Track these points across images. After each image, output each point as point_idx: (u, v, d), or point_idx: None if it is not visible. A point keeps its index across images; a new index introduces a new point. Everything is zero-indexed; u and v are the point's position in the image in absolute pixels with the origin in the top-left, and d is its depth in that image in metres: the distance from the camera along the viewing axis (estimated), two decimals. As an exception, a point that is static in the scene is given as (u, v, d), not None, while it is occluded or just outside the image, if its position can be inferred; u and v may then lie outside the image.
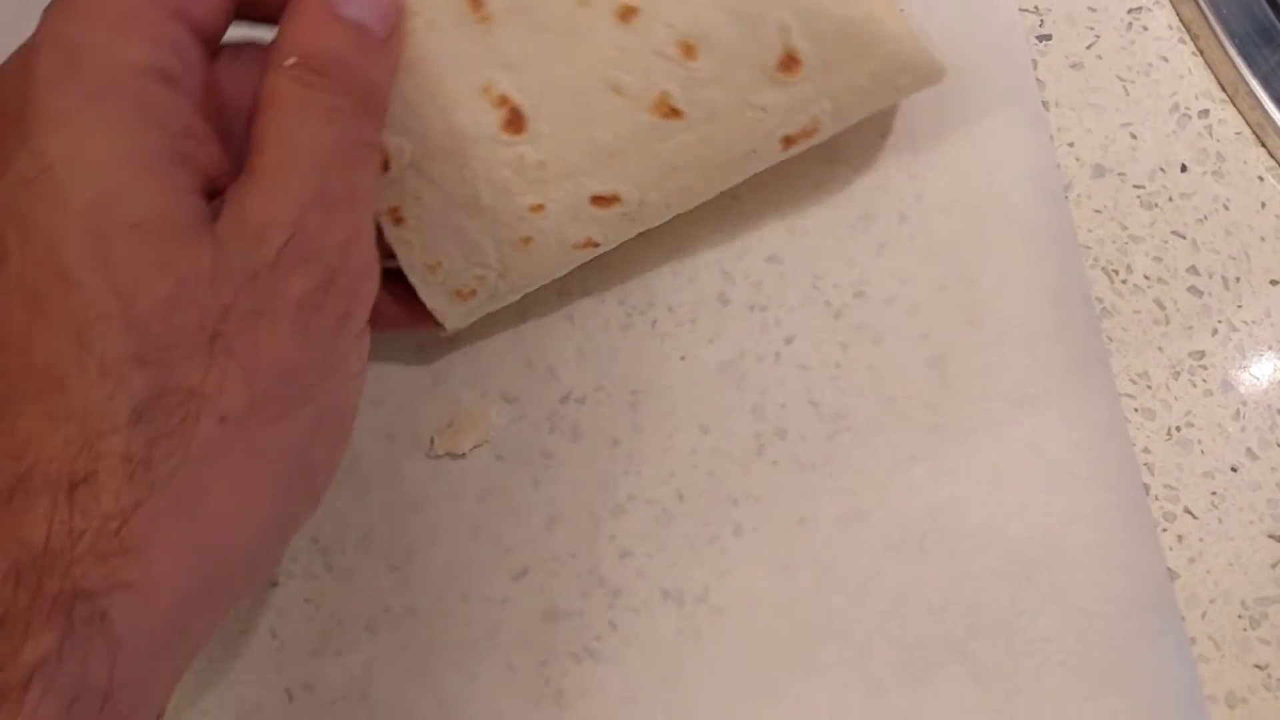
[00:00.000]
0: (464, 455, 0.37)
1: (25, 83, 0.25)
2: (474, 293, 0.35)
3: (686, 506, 0.37)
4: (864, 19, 0.33)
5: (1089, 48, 0.43)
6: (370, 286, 0.29)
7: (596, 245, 0.36)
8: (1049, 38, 0.43)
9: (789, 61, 0.33)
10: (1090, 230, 0.41)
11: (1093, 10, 0.44)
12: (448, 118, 0.32)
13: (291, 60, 0.28)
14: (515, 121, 0.32)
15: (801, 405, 0.38)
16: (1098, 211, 0.41)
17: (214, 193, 0.27)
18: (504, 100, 0.32)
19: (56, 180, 0.24)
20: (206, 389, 0.24)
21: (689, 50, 0.32)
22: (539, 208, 0.33)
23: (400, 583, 0.36)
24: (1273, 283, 0.40)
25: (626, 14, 0.31)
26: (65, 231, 0.24)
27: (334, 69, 0.28)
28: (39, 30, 0.26)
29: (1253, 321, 0.40)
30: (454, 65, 0.31)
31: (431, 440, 0.37)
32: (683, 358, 0.39)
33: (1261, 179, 0.42)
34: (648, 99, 0.33)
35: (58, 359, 0.23)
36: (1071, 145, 0.42)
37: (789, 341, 0.39)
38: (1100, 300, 0.40)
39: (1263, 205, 0.41)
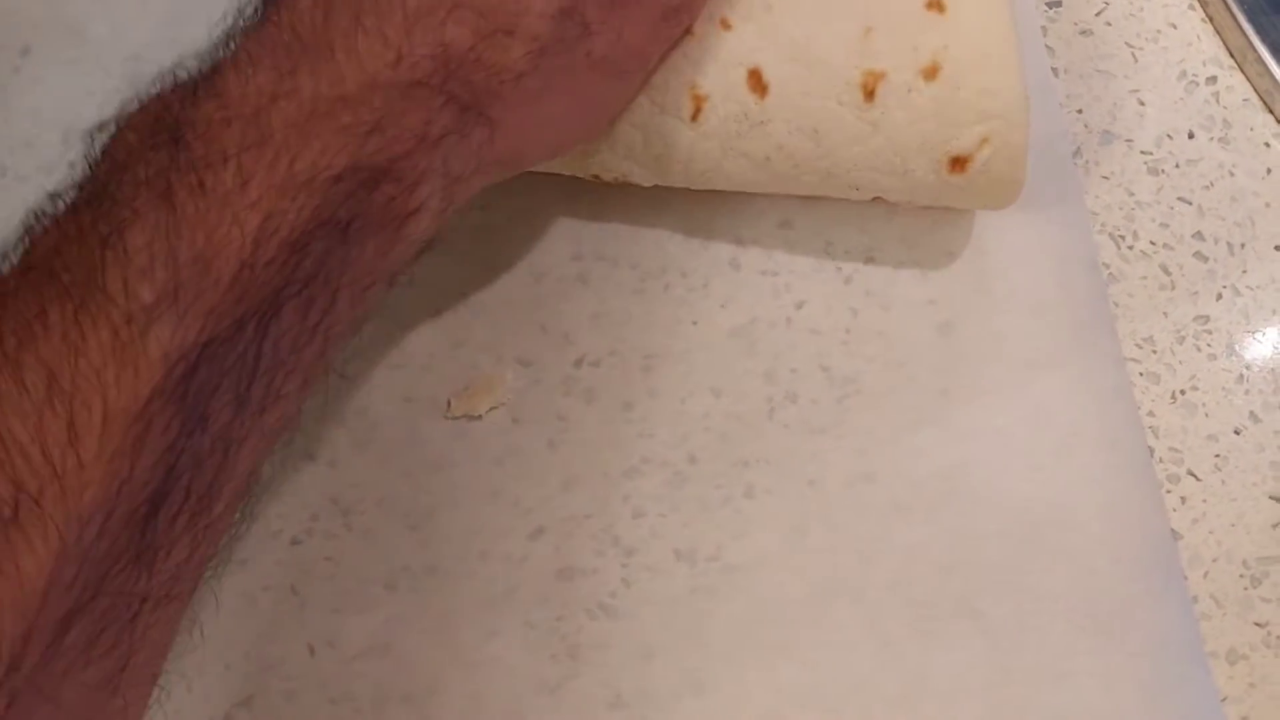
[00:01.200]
0: (480, 417, 0.38)
1: None
2: None
3: (699, 468, 0.38)
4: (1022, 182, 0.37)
5: (1098, 14, 0.43)
6: (690, 24, 0.35)
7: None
8: (1059, 4, 0.43)
9: (959, 162, 0.35)
10: (1098, 196, 0.41)
11: (1102, -23, 0.44)
12: None
13: None
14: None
15: (812, 369, 0.39)
16: (1105, 178, 0.41)
17: None
18: None
19: None
20: (593, 29, 0.30)
21: (932, 72, 0.34)
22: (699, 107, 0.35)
23: (420, 542, 0.37)
24: (1277, 248, 0.41)
25: (930, 72, 0.34)
26: None
27: None
28: None
29: (1257, 286, 0.40)
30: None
31: (448, 403, 0.38)
32: (695, 322, 0.39)
33: (1268, 145, 0.42)
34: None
35: None
36: (1080, 112, 0.42)
37: (800, 306, 0.39)
38: (1107, 266, 0.40)
39: (1268, 171, 0.42)
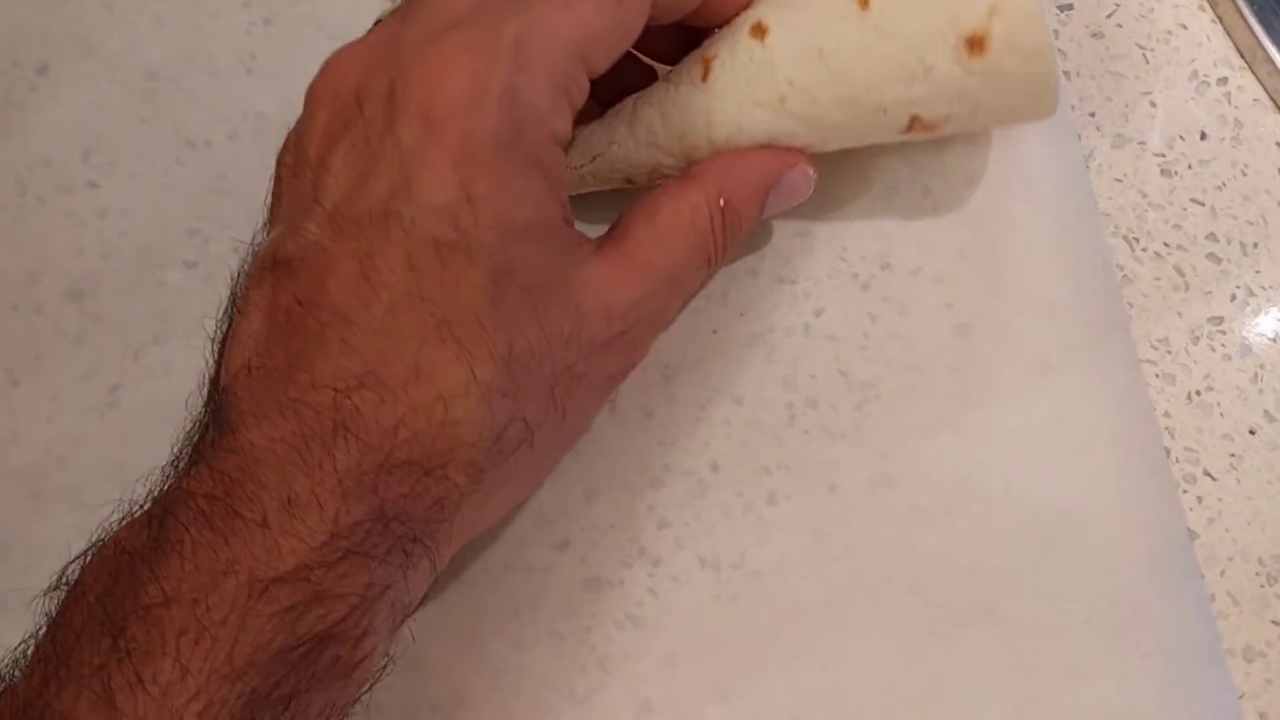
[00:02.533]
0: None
1: (475, 126, 0.28)
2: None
3: (721, 476, 0.38)
4: (1052, 57, 0.34)
5: (1109, 16, 0.44)
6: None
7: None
8: (1070, 7, 0.44)
9: (976, 42, 0.34)
10: (1111, 198, 0.42)
11: (1112, -22, 0.44)
12: None
13: (724, 201, 0.35)
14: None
15: (831, 375, 0.39)
16: (1118, 180, 0.42)
17: None
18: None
19: (483, 242, 0.28)
20: (535, 424, 0.30)
21: None
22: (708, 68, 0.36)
23: (446, 554, 0.37)
24: (1290, 248, 0.41)
25: None
26: (480, 282, 0.28)
27: (741, 225, 0.36)
28: (501, 65, 0.29)
29: (1270, 286, 0.41)
30: None
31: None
32: (714, 331, 0.40)
33: (1279, 145, 0.42)
34: None
35: (448, 377, 0.28)
36: (1093, 115, 0.43)
37: (818, 314, 0.40)
38: (1121, 267, 0.41)
39: (1280, 171, 0.42)
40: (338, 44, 0.42)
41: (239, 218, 0.40)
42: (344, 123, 0.29)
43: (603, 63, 0.32)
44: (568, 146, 0.33)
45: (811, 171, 0.37)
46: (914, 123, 0.36)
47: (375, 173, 0.28)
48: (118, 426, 0.38)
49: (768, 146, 0.36)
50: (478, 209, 0.28)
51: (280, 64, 0.42)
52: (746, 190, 0.36)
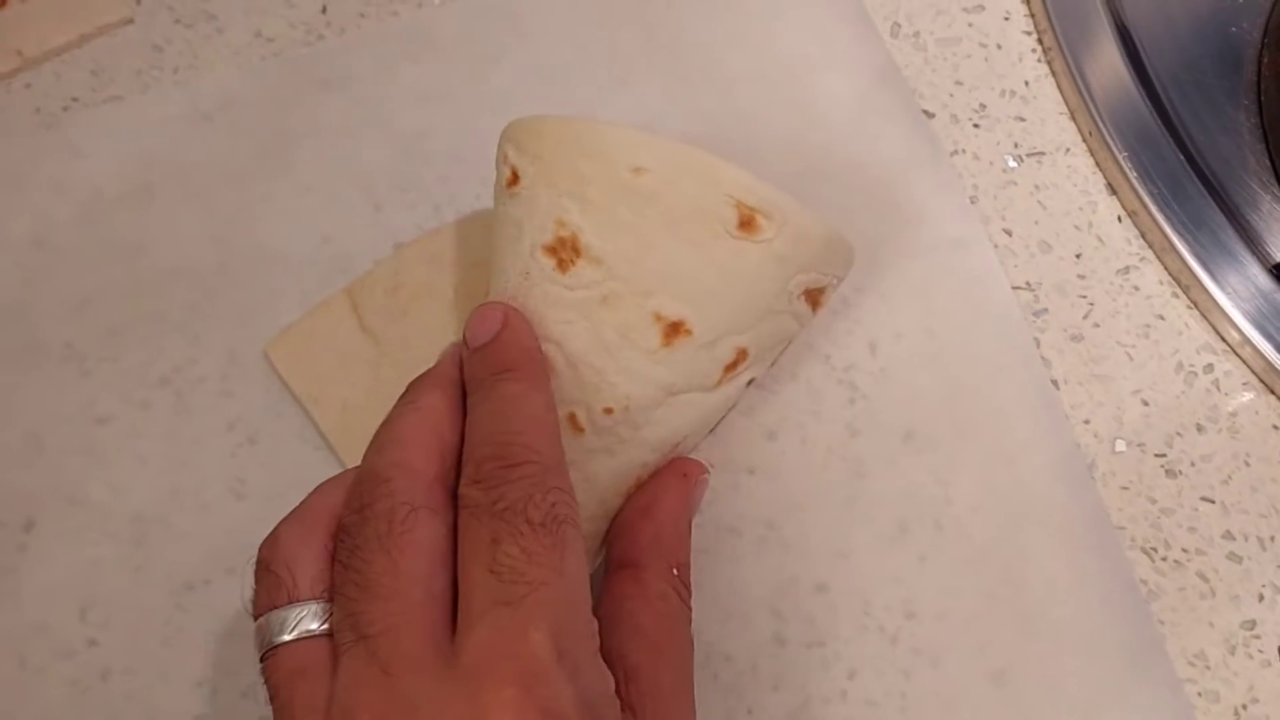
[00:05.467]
0: None
1: None
2: None
3: None
4: None
5: (1085, 317, 0.45)
6: None
7: None
8: (1045, 311, 0.45)
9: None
10: (1121, 509, 0.42)
11: (1082, 277, 0.45)
12: None
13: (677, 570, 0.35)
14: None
15: (875, 745, 0.39)
16: (1125, 488, 0.42)
17: None
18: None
19: None
20: None
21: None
22: None
23: None
24: (1307, 538, 0.42)
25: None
26: None
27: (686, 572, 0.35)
28: (560, 687, 0.26)
29: (1295, 579, 0.41)
30: None
31: None
32: (750, 711, 0.39)
33: (1277, 427, 0.43)
34: None
35: None
36: (1088, 422, 0.43)
37: (852, 677, 0.40)
38: (1145, 582, 0.41)
39: (1282, 455, 0.43)
40: (322, 453, 0.42)
41: (244, 663, 0.40)
42: None
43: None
44: None
45: (705, 476, 0.38)
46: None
47: None
48: None
49: (665, 484, 0.37)
50: None
51: (270, 485, 0.42)
52: (676, 541, 0.36)
